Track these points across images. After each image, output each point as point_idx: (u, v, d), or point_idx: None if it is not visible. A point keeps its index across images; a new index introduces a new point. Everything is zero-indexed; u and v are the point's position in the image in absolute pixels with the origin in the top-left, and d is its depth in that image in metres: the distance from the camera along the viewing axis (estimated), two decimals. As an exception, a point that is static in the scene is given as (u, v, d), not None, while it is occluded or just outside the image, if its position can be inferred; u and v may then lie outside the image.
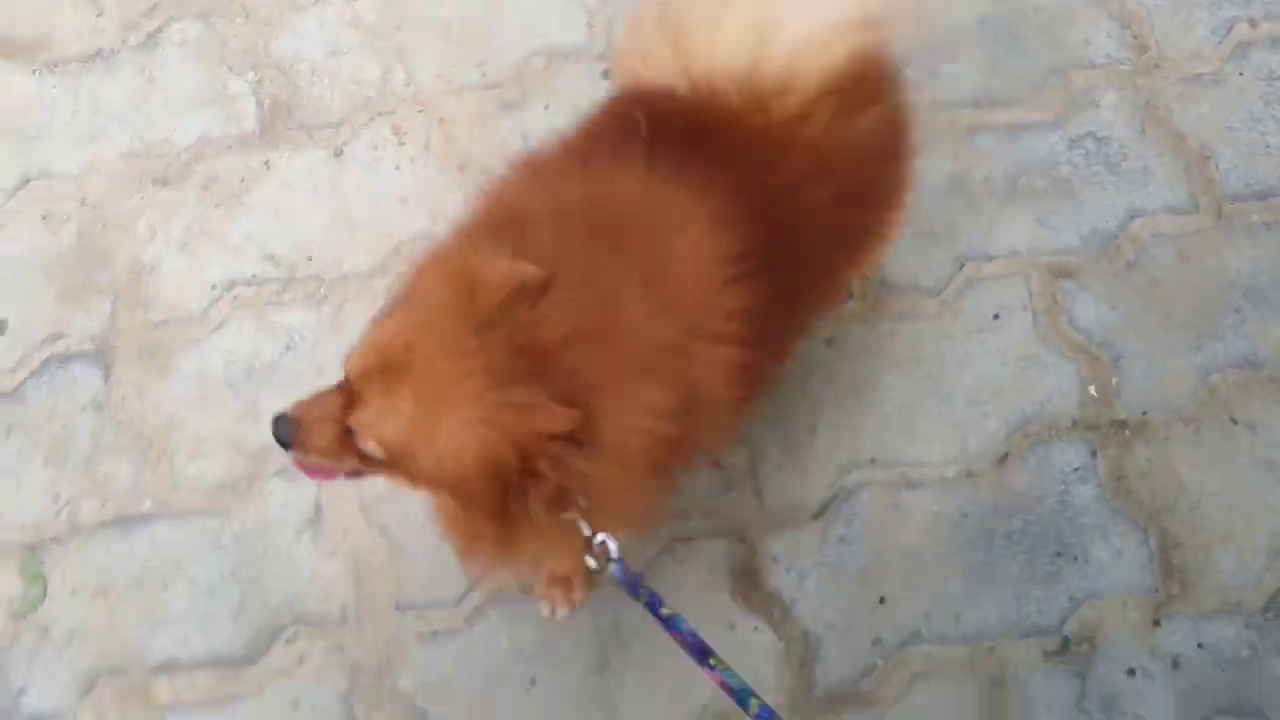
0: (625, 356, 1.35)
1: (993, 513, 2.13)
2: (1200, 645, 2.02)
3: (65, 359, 2.30)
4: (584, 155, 1.59)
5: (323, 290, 2.34)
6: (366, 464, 1.40)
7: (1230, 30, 2.56)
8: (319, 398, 1.40)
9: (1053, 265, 2.33)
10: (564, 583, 2.04)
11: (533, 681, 2.02)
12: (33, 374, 2.30)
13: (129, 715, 2.03)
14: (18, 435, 2.25)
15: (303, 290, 2.34)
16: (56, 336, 2.33)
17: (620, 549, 1.47)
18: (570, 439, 1.26)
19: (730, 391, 1.48)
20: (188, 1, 2.63)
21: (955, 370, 2.24)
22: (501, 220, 1.47)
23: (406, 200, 2.42)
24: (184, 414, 2.25)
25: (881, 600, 2.06)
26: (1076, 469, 2.15)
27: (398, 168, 2.46)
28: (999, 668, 2.01)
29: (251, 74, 2.57)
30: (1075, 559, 2.08)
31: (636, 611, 1.53)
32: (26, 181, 2.48)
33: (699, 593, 2.06)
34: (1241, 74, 2.51)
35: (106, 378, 2.28)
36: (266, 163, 2.47)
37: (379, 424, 1.32)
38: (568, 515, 1.40)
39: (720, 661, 1.42)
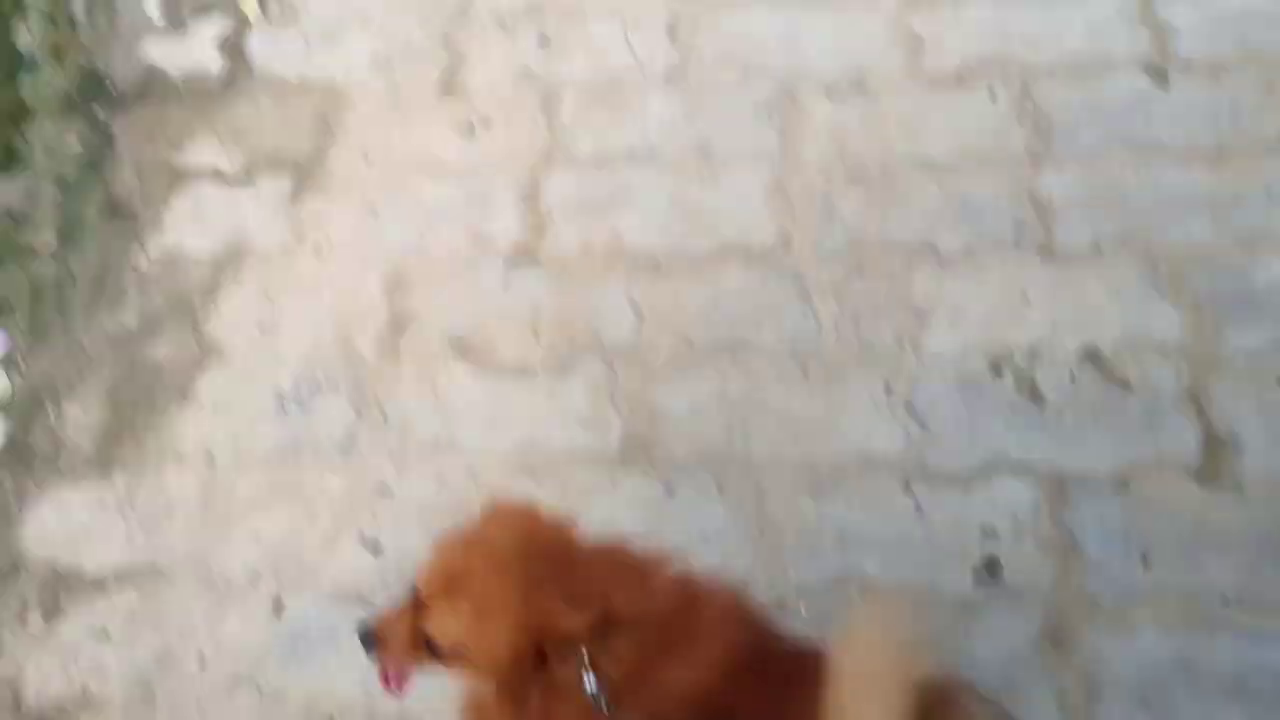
0: None
1: None
2: None
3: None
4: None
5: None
6: (434, 657, 1.80)
7: None
8: (394, 609, 1.85)
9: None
10: None
11: None
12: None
13: None
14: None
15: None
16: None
17: None
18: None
19: None
20: (599, 346, 3.29)
21: None
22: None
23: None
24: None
25: None
26: None
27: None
28: None
29: (626, 410, 3.14)
30: None
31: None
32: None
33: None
34: None
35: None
36: (612, 481, 2.98)
37: (444, 626, 1.75)
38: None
39: None
